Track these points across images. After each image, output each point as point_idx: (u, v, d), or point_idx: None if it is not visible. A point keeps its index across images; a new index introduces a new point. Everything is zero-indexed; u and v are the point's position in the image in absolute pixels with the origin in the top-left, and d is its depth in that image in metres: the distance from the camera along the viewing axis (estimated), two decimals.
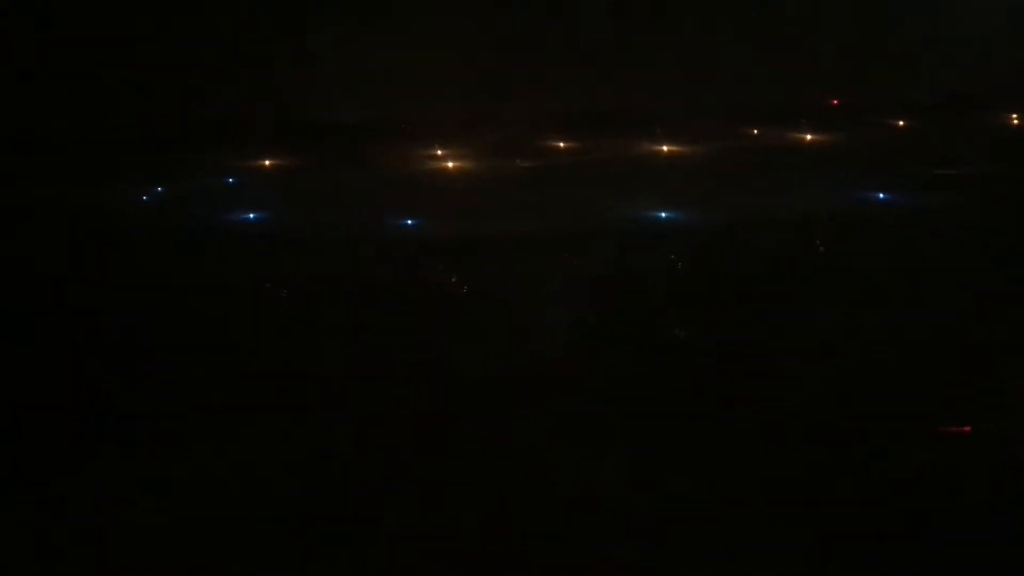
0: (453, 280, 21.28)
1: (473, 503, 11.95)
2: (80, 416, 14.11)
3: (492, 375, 15.56)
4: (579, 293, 19.46)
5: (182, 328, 17.38)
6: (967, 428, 13.28)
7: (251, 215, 24.21)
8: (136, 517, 11.64)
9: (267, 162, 27.39)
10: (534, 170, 27.68)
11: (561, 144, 29.89)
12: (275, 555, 11.02)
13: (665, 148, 29.22)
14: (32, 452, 13.06)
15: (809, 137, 31.50)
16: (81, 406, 14.40)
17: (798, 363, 15.32)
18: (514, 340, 16.96)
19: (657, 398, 14.47)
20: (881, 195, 25.75)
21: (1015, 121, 33.85)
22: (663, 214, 24.28)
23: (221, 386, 15.15)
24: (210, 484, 12.40)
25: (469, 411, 14.40)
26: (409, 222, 24.10)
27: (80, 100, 26.21)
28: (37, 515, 11.65)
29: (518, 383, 15.22)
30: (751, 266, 20.34)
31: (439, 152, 28.16)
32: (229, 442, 13.43)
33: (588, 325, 17.52)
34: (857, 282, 19.12)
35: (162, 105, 26.50)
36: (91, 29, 26.42)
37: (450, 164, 27.59)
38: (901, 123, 33.56)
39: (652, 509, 11.67)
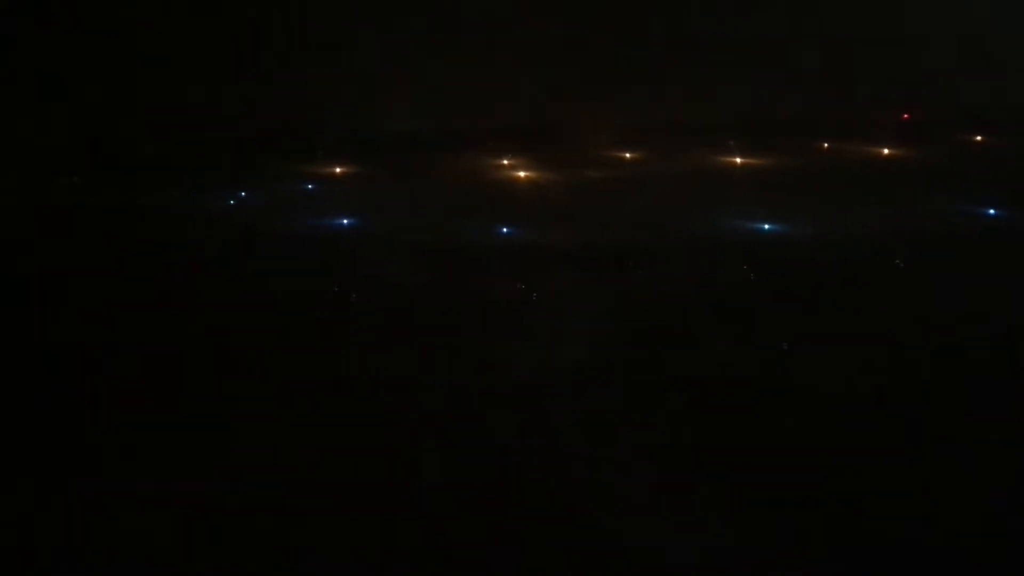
0: (522, 288, 21.45)
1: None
2: (168, 414, 14.60)
3: (562, 384, 15.65)
4: (651, 306, 19.56)
5: (267, 329, 17.94)
6: None
7: (327, 221, 24.80)
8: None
9: (342, 170, 27.94)
10: (604, 181, 27.75)
11: (630, 155, 29.86)
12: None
13: (738, 160, 29.02)
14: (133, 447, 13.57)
15: (887, 151, 30.93)
16: (170, 404, 14.90)
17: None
18: (582, 350, 17.01)
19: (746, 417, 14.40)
20: (992, 211, 25.15)
21: None
22: (739, 227, 24.16)
23: (304, 388, 15.50)
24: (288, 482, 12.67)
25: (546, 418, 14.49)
26: (480, 230, 24.33)
27: (168, 109, 27.11)
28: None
29: (587, 392, 15.30)
30: (856, 282, 20.16)
31: (511, 162, 28.39)
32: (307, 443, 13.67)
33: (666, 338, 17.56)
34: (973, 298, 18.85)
35: (246, 113, 27.24)
36: (179, 40, 27.33)
37: (522, 174, 27.82)
38: (979, 138, 32.70)
39: None
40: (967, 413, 14.32)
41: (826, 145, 31.87)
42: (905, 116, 35.12)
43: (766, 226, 24.26)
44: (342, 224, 24.70)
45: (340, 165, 27.75)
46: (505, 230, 24.28)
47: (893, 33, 32.28)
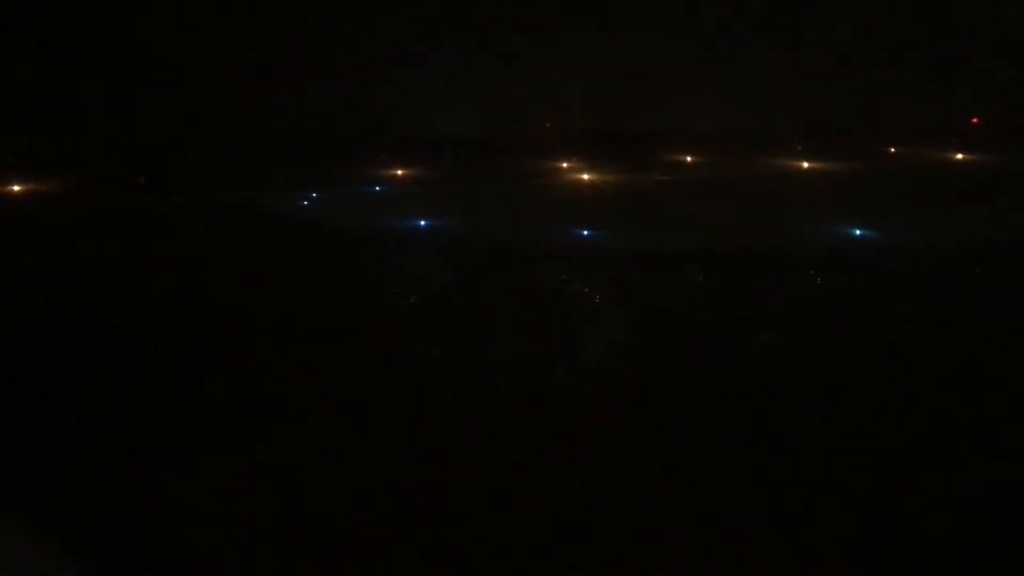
0: (585, 291, 21.57)
1: None
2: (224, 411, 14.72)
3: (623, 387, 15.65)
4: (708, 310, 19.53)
5: (330, 327, 18.32)
6: None
7: (396, 222, 25.25)
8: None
9: (406, 172, 28.39)
10: (670, 184, 27.79)
11: (693, 159, 29.80)
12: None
13: (805, 164, 28.77)
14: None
15: (960, 156, 30.36)
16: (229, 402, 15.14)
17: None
18: (644, 353, 17.00)
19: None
20: None
21: None
22: (805, 232, 23.98)
23: (366, 388, 15.67)
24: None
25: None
26: (541, 232, 24.46)
27: (243, 110, 27.83)
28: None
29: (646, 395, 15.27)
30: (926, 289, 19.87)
31: (575, 165, 28.54)
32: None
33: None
34: None
35: (318, 115, 27.88)
36: (252, 44, 28.07)
37: (586, 177, 27.95)
38: None
39: None
40: None
41: (893, 150, 31.47)
42: (974, 120, 34.51)
43: (832, 231, 24.02)
44: (407, 225, 25.09)
45: (406, 168, 28.23)
46: (569, 232, 24.43)
47: (963, 37, 31.74)
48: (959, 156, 30.50)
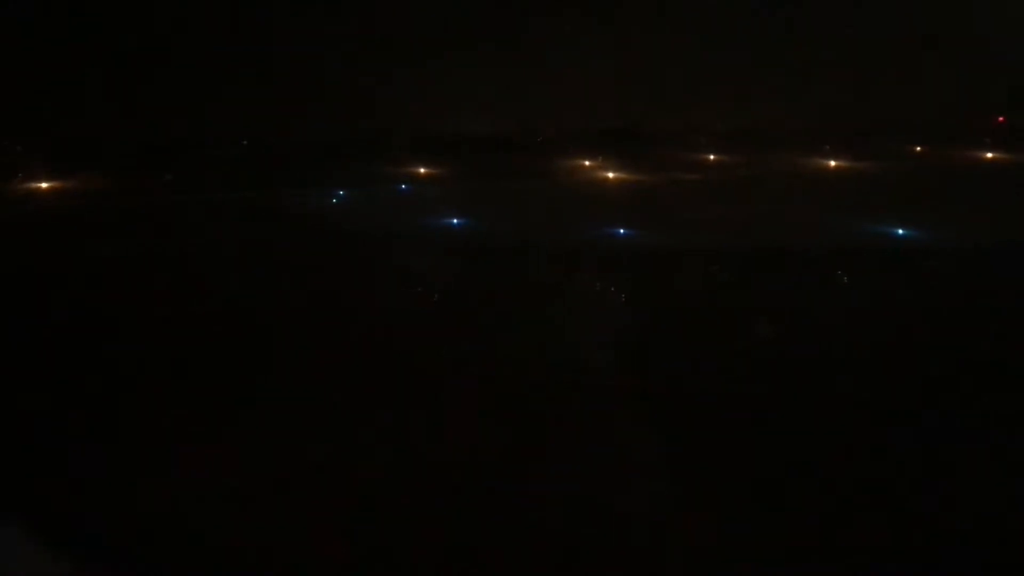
0: (611, 289, 21.57)
1: None
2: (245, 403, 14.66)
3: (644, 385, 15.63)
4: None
5: (354, 323, 18.43)
6: None
7: (421, 221, 25.40)
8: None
9: (429, 171, 28.54)
10: (692, 184, 27.77)
11: (716, 158, 29.77)
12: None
13: (832, 163, 28.66)
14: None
15: (990, 155, 30.14)
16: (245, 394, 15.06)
17: None
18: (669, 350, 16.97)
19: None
20: None
21: None
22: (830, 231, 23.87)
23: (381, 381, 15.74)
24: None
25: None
26: (563, 231, 24.50)
27: (272, 111, 28.10)
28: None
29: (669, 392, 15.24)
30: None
31: (598, 163, 28.58)
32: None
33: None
34: None
35: (346, 116, 28.08)
36: (279, 46, 28.33)
37: (610, 175, 27.97)
38: None
39: None
40: None
41: (919, 149, 31.32)
42: (1000, 119, 34.27)
43: (857, 230, 23.92)
44: (431, 224, 25.21)
45: (429, 167, 28.38)
46: (591, 231, 24.45)
47: (991, 36, 31.50)
48: (988, 155, 30.27)
